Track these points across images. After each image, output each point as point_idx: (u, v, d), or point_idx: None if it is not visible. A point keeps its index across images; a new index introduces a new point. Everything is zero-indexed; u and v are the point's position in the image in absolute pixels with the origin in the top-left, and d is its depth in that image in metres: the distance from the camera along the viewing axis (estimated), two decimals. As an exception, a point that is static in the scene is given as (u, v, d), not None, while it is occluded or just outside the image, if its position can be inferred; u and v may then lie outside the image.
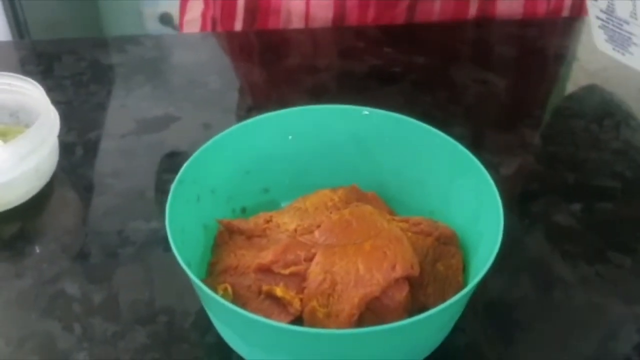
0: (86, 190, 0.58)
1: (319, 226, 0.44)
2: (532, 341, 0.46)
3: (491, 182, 0.44)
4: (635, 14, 0.54)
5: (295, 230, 0.45)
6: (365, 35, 0.78)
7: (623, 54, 0.59)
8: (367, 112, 0.51)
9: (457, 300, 0.39)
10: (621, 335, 0.47)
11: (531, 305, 0.48)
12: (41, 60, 0.73)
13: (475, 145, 0.48)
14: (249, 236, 0.46)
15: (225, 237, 0.47)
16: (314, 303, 0.41)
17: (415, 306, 0.43)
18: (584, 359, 0.45)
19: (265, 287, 0.42)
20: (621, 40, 0.58)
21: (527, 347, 0.46)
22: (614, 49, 0.60)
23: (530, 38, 0.79)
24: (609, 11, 0.56)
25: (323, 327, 0.40)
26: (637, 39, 0.56)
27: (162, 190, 0.54)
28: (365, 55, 0.74)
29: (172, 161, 0.60)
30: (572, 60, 0.78)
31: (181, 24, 0.89)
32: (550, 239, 0.53)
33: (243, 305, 0.42)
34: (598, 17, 0.59)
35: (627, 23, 0.55)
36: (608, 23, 0.58)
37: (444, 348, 0.43)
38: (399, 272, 0.41)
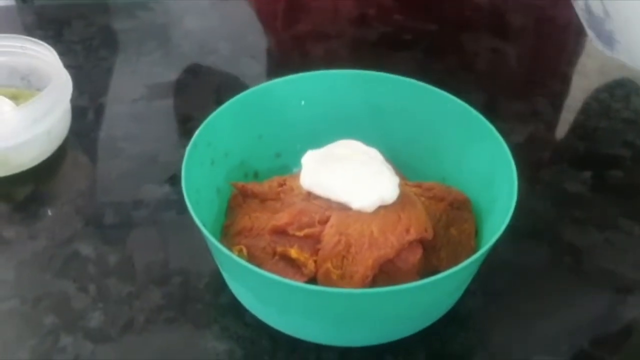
0: (98, 153, 0.58)
1: (333, 190, 0.44)
2: (541, 305, 0.47)
3: (505, 147, 0.44)
4: (607, 12, 0.53)
5: (309, 193, 0.45)
6: (375, 2, 0.77)
7: (611, 51, 0.58)
8: (380, 77, 0.51)
9: (469, 264, 0.39)
10: (630, 300, 0.47)
11: (541, 270, 0.49)
12: (51, 25, 0.73)
13: (487, 112, 0.48)
14: (263, 199, 0.47)
15: (239, 200, 0.48)
16: (328, 265, 0.41)
17: (428, 269, 0.43)
18: (593, 323, 0.46)
19: (279, 249, 0.42)
20: (605, 38, 0.57)
21: (537, 311, 0.46)
22: (603, 46, 0.59)
23: (541, 6, 0.78)
24: (588, 10, 0.55)
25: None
26: (617, 36, 0.55)
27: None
28: (376, 22, 0.74)
29: (184, 126, 0.60)
30: (582, 29, 0.77)
31: None
32: (560, 206, 0.54)
33: (258, 267, 0.42)
34: (583, 17, 0.58)
35: (605, 21, 0.54)
36: (591, 22, 0.57)
37: (456, 311, 0.44)
38: (412, 235, 0.42)
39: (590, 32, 0.59)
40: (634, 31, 0.53)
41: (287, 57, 0.71)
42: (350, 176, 0.43)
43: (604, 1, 0.52)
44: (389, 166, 0.46)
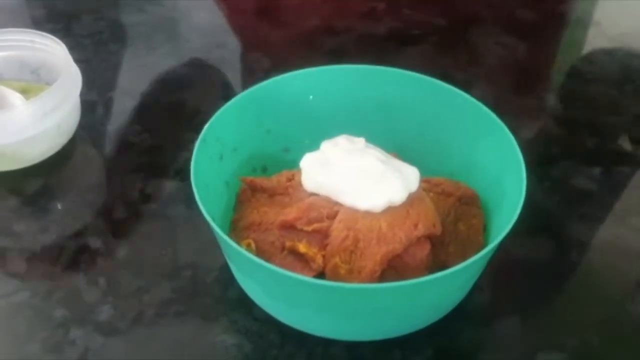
0: (108, 147, 0.58)
1: (341, 185, 0.44)
2: (549, 301, 0.47)
3: (514, 143, 0.44)
4: None
5: (317, 189, 0.45)
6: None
7: None
8: (389, 72, 0.51)
9: (477, 259, 0.39)
10: (638, 297, 0.47)
11: (549, 266, 0.49)
12: (60, 19, 0.73)
13: (496, 108, 0.48)
14: (272, 194, 0.47)
15: (247, 194, 0.48)
16: (337, 259, 0.41)
17: (436, 265, 0.43)
18: (600, 319, 0.46)
19: (288, 243, 0.43)
20: None
21: (545, 307, 0.46)
22: None
23: (550, 2, 0.78)
24: None
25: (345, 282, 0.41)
26: None
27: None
28: (385, 17, 0.74)
29: (193, 120, 0.60)
30: (592, 24, 0.77)
31: None
32: (569, 201, 0.54)
33: (266, 261, 0.42)
34: None
35: None
36: None
37: (464, 306, 0.44)
38: (421, 230, 0.42)
39: None
40: None
41: (295, 52, 0.71)
42: (354, 180, 0.43)
43: None
44: (391, 158, 0.45)
